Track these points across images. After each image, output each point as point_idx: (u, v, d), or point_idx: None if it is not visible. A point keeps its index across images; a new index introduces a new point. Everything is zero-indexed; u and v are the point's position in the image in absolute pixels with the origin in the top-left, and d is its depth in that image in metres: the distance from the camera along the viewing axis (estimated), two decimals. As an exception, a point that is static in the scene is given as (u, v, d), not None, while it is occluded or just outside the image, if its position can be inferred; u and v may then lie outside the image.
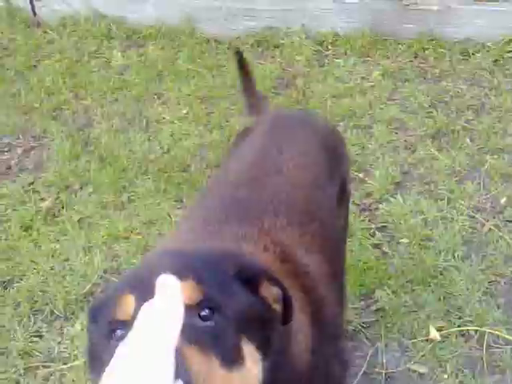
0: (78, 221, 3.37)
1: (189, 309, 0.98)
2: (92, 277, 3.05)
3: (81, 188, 3.54)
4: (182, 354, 0.90)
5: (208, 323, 1.00)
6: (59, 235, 3.30)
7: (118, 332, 1.00)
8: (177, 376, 0.86)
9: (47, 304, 2.97)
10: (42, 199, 3.53)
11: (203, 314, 1.01)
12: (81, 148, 3.79)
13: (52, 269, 3.13)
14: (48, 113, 4.13)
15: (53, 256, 3.20)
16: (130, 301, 1.02)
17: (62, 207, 3.46)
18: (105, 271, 3.08)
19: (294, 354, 1.25)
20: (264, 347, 1.09)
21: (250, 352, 1.04)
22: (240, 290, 1.11)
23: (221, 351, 0.97)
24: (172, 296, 0.99)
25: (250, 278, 1.14)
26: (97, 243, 3.21)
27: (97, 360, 1.06)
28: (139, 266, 1.24)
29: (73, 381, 2.61)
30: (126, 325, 0.98)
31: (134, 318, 0.97)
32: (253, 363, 1.04)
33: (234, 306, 1.06)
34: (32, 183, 3.62)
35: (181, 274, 1.03)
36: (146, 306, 0.98)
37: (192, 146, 3.69)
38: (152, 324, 0.94)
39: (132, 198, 3.46)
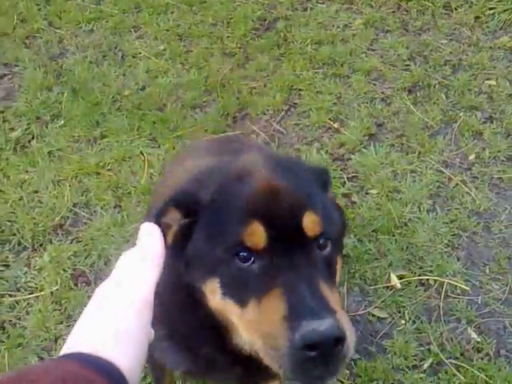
0: (49, 153, 3.32)
1: (311, 241, 1.14)
2: (61, 210, 3.03)
3: (52, 120, 3.47)
4: (321, 291, 1.06)
5: (324, 252, 1.16)
6: (28, 166, 3.26)
7: (244, 255, 1.12)
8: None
9: (15, 234, 2.96)
10: (12, 129, 3.46)
11: (321, 243, 1.16)
12: (53, 79, 3.69)
13: (20, 199, 3.10)
14: (20, 40, 3.99)
15: (21, 187, 3.16)
16: (260, 232, 1.12)
17: (33, 138, 3.40)
18: (74, 205, 3.07)
19: None
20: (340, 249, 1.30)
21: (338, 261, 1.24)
22: (331, 208, 1.27)
23: (330, 275, 1.16)
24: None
25: (326, 185, 1.32)
26: (67, 177, 3.18)
27: (197, 259, 1.20)
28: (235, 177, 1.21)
29: (39, 311, 2.64)
30: (256, 254, 1.11)
31: (265, 250, 1.11)
32: (339, 269, 1.25)
33: (334, 230, 1.22)
34: (2, 112, 3.53)
35: (301, 207, 1.15)
36: None
37: (168, 84, 3.63)
38: None
39: (105, 133, 3.41)
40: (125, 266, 0.97)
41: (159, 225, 1.13)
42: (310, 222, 1.14)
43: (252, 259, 1.12)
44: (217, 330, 1.28)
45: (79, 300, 2.66)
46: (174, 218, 1.22)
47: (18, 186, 3.17)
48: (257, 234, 1.12)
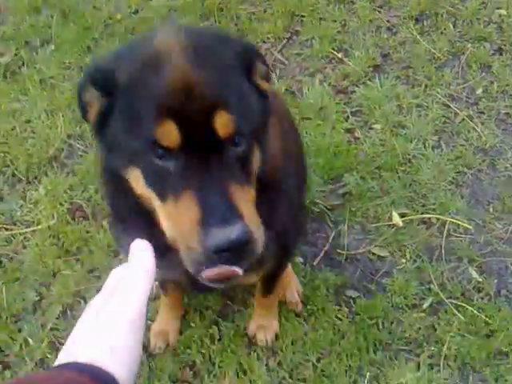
0: (40, 81, 3.18)
1: (224, 141, 1.12)
2: (55, 141, 2.94)
3: (42, 45, 3.31)
4: (232, 195, 1.09)
5: (239, 149, 1.15)
6: (20, 94, 3.14)
7: (159, 151, 1.11)
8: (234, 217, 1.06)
9: (8, 166, 2.89)
10: (1, 54, 3.30)
11: (236, 141, 1.15)
12: (41, 0, 3.49)
13: (13, 129, 3.00)
14: (4, -44, 3.73)
15: (13, 116, 3.05)
16: (173, 131, 1.09)
17: (23, 64, 3.25)
18: (68, 136, 2.97)
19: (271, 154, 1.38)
20: (262, 142, 1.26)
21: (256, 154, 1.23)
22: (249, 90, 1.22)
23: (245, 172, 1.17)
24: None
25: (250, 67, 1.25)
26: (60, 106, 3.06)
27: (116, 145, 1.19)
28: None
29: (36, 245, 2.60)
30: (170, 152, 1.10)
31: (179, 148, 1.09)
32: (256, 164, 1.23)
33: (253, 122, 1.19)
34: (-12, 35, 3.36)
35: (214, 105, 1.10)
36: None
37: (162, 7, 3.44)
38: None
39: (97, 60, 3.25)
40: (117, 279, 0.98)
41: (81, 102, 1.21)
42: (222, 123, 1.11)
43: (167, 157, 1.12)
44: (150, 216, 1.26)
45: (77, 235, 2.62)
46: (94, 96, 1.21)
47: (10, 115, 3.06)
48: (169, 134, 1.10)
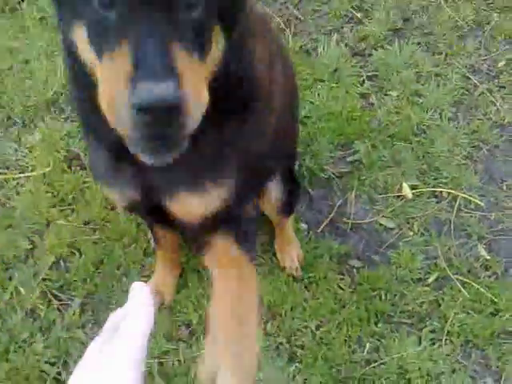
0: (40, 19, 3.03)
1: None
2: (54, 85, 2.81)
3: (44, -19, 3.13)
4: (171, 52, 0.94)
5: (193, 14, 1.01)
6: (19, 32, 2.98)
7: None
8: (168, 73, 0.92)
9: (4, 107, 2.75)
10: (-1, -12, 3.12)
11: (192, 2, 1.00)
12: None
13: (10, 69, 2.86)
14: None
15: (11, 54, 2.90)
16: None
17: (22, 0, 3.09)
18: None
19: (251, 55, 1.29)
20: (230, 28, 1.12)
21: (218, 37, 1.10)
22: None
23: (198, 44, 1.02)
24: None
25: None
26: (60, 48, 2.91)
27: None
28: None
29: (30, 192, 2.49)
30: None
31: None
32: (217, 46, 1.10)
33: None
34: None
35: None
36: None
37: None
38: None
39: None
40: (116, 321, 0.99)
41: None
42: None
43: (110, 6, 0.98)
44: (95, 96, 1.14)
45: (73, 184, 2.51)
46: None
47: (8, 53, 2.91)
48: None
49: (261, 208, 2.11)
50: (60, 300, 2.27)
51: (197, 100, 0.98)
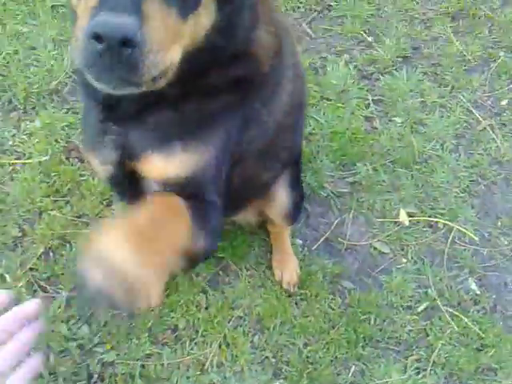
0: (52, 7, 2.99)
1: None
2: (59, 74, 2.77)
3: (60, -30, 3.10)
4: None
5: None
6: (28, 18, 2.94)
7: None
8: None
9: (6, 91, 2.70)
10: (12, -29, 3.08)
11: None
12: None
13: (16, 53, 2.81)
14: None
15: (18, 38, 2.86)
16: None
17: (35, -14, 3.04)
18: (73, 71, 2.79)
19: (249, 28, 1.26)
20: None
21: (208, 3, 1.08)
22: None
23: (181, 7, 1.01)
24: None
25: None
26: (69, 38, 2.88)
27: None
28: None
29: (25, 179, 2.44)
30: None
31: None
32: (206, 12, 1.08)
33: None
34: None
35: None
36: None
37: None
38: None
39: None
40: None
41: None
42: None
43: None
44: None
45: (69, 176, 2.47)
46: None
47: (15, 37, 2.86)
48: None
49: (265, 213, 2.09)
50: (46, 292, 2.22)
51: (159, 51, 0.98)
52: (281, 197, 2.00)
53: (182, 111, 1.28)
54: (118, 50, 0.93)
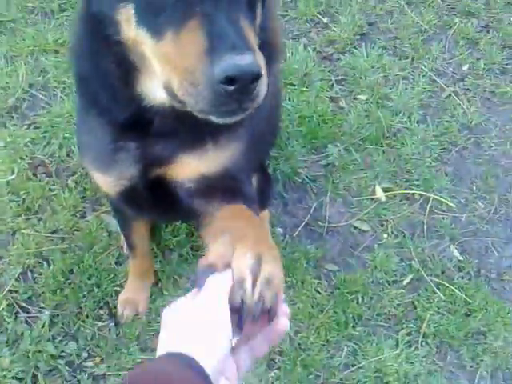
0: (0, 23, 2.92)
1: None
2: (16, 90, 2.71)
3: (2, -15, 3.03)
4: (243, 27, 1.00)
5: None
6: (-24, 36, 2.87)
7: None
8: None
9: (-37, 115, 2.64)
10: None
11: None
12: None
13: (-32, 75, 2.74)
14: None
15: (-32, 61, 2.79)
16: None
17: (-20, 4, 2.98)
18: (30, 86, 2.74)
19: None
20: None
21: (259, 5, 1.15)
22: None
23: (252, 17, 1.09)
24: None
25: None
26: (21, 53, 2.83)
27: None
28: None
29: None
30: None
31: None
32: (259, 16, 1.15)
33: None
34: None
35: None
36: None
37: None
38: None
39: (64, 6, 3.02)
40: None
41: None
42: None
43: None
44: (127, 74, 1.20)
45: (39, 192, 2.42)
46: None
47: (-34, 57, 2.80)
48: None
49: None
50: (28, 312, 2.18)
51: (265, 73, 1.01)
52: None
53: None
54: (248, 87, 0.98)
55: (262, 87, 1.01)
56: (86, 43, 1.26)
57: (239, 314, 0.94)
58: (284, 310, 1.03)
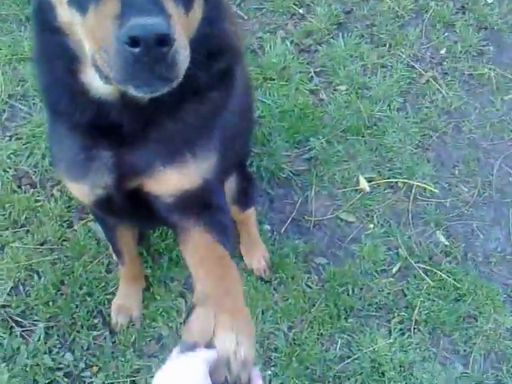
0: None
1: None
2: (-5, 101, 2.69)
3: (-26, -7, 2.99)
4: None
5: None
6: (-49, 49, 2.83)
7: None
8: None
9: None
10: None
11: None
12: None
13: None
14: None
15: None
16: None
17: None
18: (9, 96, 2.72)
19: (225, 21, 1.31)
20: None
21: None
22: None
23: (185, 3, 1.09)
24: None
25: None
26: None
27: None
28: None
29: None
30: None
31: None
32: (198, 7, 1.17)
33: None
34: None
35: None
36: None
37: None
38: None
39: (37, 11, 2.98)
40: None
41: None
42: None
43: None
44: (72, 68, 1.21)
45: (25, 204, 2.42)
46: None
47: None
48: None
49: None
50: (22, 326, 2.19)
51: (183, 45, 1.01)
52: (228, 183, 1.99)
53: (180, 120, 1.28)
54: (155, 50, 0.96)
55: (180, 56, 1.00)
56: (38, 41, 1.27)
57: None
58: (257, 373, 1.15)
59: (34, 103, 2.70)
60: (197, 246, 1.35)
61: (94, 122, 1.26)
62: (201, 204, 1.37)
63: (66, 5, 1.09)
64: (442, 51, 2.94)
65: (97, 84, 1.19)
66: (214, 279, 1.25)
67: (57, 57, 1.22)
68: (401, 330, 2.25)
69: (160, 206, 1.39)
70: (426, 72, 2.86)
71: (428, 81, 2.83)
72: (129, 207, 1.45)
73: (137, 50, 0.95)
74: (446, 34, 3.00)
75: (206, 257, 1.31)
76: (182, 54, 1.01)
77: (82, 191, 1.43)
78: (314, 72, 2.82)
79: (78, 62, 1.19)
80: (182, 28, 1.05)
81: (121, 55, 0.97)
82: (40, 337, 2.15)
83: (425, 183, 2.55)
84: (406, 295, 2.32)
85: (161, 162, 1.32)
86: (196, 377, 1.03)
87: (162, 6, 0.99)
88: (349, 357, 2.19)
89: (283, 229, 2.45)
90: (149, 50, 0.95)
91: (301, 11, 3.00)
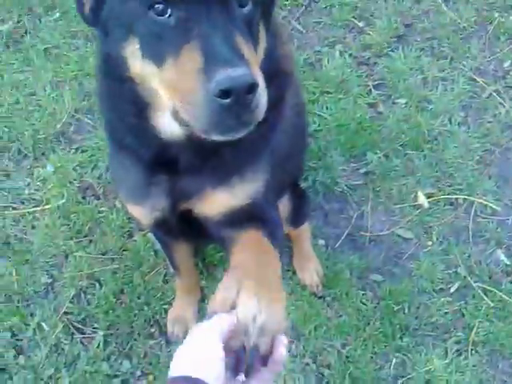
0: (44, 50, 3.03)
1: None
2: (62, 116, 2.81)
3: (46, 12, 3.13)
4: (237, 43, 1.03)
5: (244, 10, 1.11)
6: (23, 65, 2.98)
7: (159, 7, 1.06)
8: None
9: (14, 141, 2.76)
10: (2, 21, 3.13)
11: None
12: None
13: (17, 103, 2.86)
14: None
15: (17, 88, 2.91)
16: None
17: (26, 32, 3.08)
18: (76, 110, 2.84)
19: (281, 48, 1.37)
20: (268, 24, 1.24)
21: (262, 32, 1.21)
22: None
23: (251, 36, 1.12)
24: None
25: None
26: (66, 78, 2.92)
27: (113, 19, 1.15)
28: None
29: (46, 226, 2.50)
30: (172, 5, 1.06)
31: (182, 1, 1.05)
32: (263, 42, 1.21)
33: None
34: (-13, 2, 3.18)
35: None
36: None
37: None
38: None
39: (104, 28, 3.10)
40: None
41: None
42: None
43: (168, 11, 1.07)
44: (142, 112, 1.25)
45: (88, 215, 2.51)
46: None
47: (14, 86, 2.91)
48: None
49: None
50: (83, 333, 2.28)
51: (263, 87, 1.05)
52: (282, 201, 2.01)
53: (233, 148, 1.32)
54: (244, 99, 1.00)
55: (261, 99, 1.04)
56: (105, 85, 1.33)
57: (236, 356, 1.08)
58: (282, 340, 1.12)
59: (98, 117, 2.80)
60: (242, 239, 1.38)
61: (156, 157, 1.34)
62: (249, 218, 1.41)
63: (139, 57, 1.13)
64: (506, 64, 2.86)
65: (168, 128, 1.25)
66: (247, 253, 1.28)
67: (124, 101, 1.27)
68: (457, 350, 2.19)
69: (210, 224, 1.46)
70: (488, 86, 2.78)
71: (491, 94, 2.76)
72: (182, 227, 1.52)
73: (228, 100, 0.99)
74: (511, 46, 2.91)
75: (247, 244, 1.34)
76: (263, 96, 1.05)
77: (142, 213, 1.52)
78: (373, 85, 2.79)
79: (148, 108, 1.23)
80: (257, 67, 1.08)
81: (210, 107, 1.01)
82: (99, 344, 2.23)
83: (486, 200, 2.48)
84: (463, 315, 2.26)
85: (211, 186, 1.39)
86: (206, 342, 1.04)
87: (242, 53, 1.03)
88: (403, 376, 2.15)
89: (338, 244, 2.44)
90: (238, 100, 0.99)
91: (360, 24, 2.99)
